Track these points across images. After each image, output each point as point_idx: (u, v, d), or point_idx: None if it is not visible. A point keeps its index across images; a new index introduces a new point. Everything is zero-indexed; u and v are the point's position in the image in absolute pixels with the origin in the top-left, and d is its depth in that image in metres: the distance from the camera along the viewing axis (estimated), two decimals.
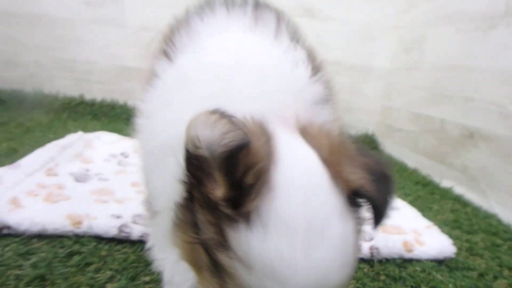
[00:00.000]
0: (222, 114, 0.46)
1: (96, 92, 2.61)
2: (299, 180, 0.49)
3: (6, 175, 1.22)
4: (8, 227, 0.99)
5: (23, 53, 2.56)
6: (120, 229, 1.02)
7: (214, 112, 0.46)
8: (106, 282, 0.86)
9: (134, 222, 1.05)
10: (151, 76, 0.74)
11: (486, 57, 1.87)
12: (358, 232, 0.53)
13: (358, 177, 0.52)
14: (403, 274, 1.08)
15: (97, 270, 0.90)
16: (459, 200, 1.84)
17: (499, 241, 1.42)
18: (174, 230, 0.56)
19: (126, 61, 2.63)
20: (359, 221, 0.53)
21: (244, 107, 0.52)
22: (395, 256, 1.15)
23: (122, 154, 1.59)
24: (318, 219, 0.47)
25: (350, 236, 0.50)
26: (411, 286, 1.04)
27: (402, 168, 2.35)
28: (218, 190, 0.47)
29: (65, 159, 1.43)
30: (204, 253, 0.51)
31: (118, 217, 1.07)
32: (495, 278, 1.15)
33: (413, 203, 1.70)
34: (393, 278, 1.06)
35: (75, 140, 1.62)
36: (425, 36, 2.41)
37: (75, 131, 1.85)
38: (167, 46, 0.75)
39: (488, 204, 1.76)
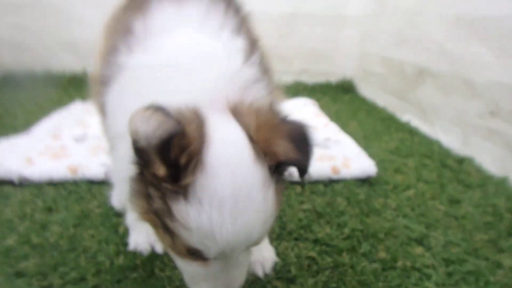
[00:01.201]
0: (156, 108, 0.53)
1: None
2: (226, 158, 0.58)
3: (21, 141, 1.57)
4: (25, 178, 1.34)
5: (31, 37, 2.89)
6: (106, 173, 1.36)
7: (149, 107, 0.53)
8: (94, 209, 1.21)
9: None
10: (113, 62, 0.78)
11: (432, 1, 2.06)
12: (281, 190, 0.66)
13: (282, 149, 0.61)
14: (327, 190, 1.39)
15: (88, 201, 1.25)
16: (412, 131, 2.09)
17: (428, 162, 1.69)
18: (131, 199, 0.66)
19: None
20: (283, 182, 0.67)
21: (183, 98, 0.61)
22: (324, 178, 1.45)
23: None
24: (242, 192, 0.58)
25: (270, 199, 0.61)
26: (330, 197, 1.34)
27: (372, 107, 2.60)
28: (160, 170, 0.56)
29: (67, 125, 1.77)
30: (156, 217, 0.63)
31: (104, 165, 1.40)
32: (407, 188, 1.44)
33: (367, 136, 1.98)
34: (317, 194, 1.36)
35: (74, 108, 1.96)
36: None
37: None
38: (128, 35, 0.78)
39: (435, 133, 2.01)
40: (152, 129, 0.52)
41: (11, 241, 1.04)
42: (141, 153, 0.55)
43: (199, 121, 0.59)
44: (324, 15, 3.00)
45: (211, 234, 0.58)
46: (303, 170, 0.64)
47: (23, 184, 1.34)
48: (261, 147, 0.61)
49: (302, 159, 0.63)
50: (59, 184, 1.35)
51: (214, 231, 0.57)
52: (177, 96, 0.62)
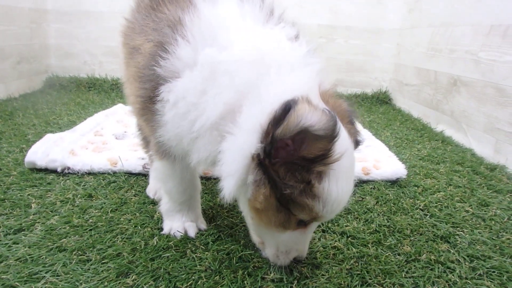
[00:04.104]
0: (308, 103, 0.66)
1: None
2: (346, 143, 0.73)
3: (66, 136, 1.67)
4: (68, 168, 1.43)
5: (77, 44, 3.07)
6: (143, 166, 1.43)
7: (302, 101, 0.66)
8: (131, 197, 1.27)
9: (152, 162, 1.45)
10: (171, 57, 0.81)
11: (464, 12, 2.06)
12: None
13: (354, 132, 0.82)
14: (357, 190, 1.40)
15: (126, 191, 1.32)
16: (445, 140, 2.08)
17: (459, 168, 1.68)
18: (255, 188, 0.76)
19: None
20: None
21: (290, 91, 0.70)
22: (355, 178, 1.46)
23: None
24: (353, 167, 0.78)
25: None
26: (359, 196, 1.35)
27: (407, 118, 2.59)
28: (317, 151, 0.67)
29: (109, 124, 1.87)
30: (274, 199, 0.74)
31: (143, 159, 1.48)
32: (437, 191, 1.43)
33: (400, 144, 1.98)
34: None
35: (116, 109, 2.07)
36: None
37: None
38: (186, 32, 0.81)
39: (468, 142, 1.98)
40: (326, 118, 0.63)
41: (53, 220, 1.11)
42: (294, 142, 0.67)
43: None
44: (360, 28, 3.04)
45: (337, 201, 0.73)
46: (357, 145, 0.85)
47: (65, 173, 1.44)
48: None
49: (357, 135, 0.85)
50: (99, 175, 1.43)
51: (339, 198, 0.73)
52: (282, 90, 0.71)
